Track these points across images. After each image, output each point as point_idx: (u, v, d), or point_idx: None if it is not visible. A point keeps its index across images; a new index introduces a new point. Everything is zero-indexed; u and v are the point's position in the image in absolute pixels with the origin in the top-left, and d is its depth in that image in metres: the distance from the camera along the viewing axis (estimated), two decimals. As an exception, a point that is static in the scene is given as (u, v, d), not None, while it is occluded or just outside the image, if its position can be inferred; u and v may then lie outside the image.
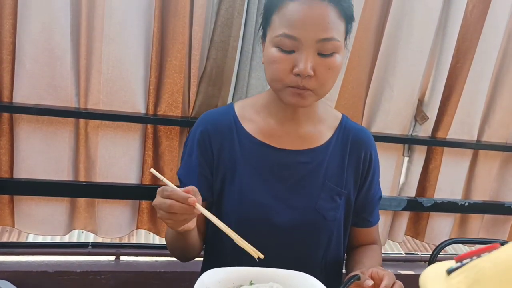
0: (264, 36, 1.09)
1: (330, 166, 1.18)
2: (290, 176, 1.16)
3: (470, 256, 0.49)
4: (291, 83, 1.02)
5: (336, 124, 1.21)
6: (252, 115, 1.19)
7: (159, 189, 0.94)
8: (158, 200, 0.93)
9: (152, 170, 0.98)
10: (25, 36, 1.47)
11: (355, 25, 1.41)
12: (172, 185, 0.95)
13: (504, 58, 1.91)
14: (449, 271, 0.49)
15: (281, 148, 1.15)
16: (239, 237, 0.95)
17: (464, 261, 0.48)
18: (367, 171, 1.22)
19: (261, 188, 1.15)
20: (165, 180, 0.97)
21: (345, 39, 1.06)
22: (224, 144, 1.16)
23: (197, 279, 1.06)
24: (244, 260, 0.98)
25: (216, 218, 0.96)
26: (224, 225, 0.95)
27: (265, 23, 1.07)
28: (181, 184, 1.18)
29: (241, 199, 1.14)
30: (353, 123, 1.25)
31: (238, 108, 1.20)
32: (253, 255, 0.94)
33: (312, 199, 1.16)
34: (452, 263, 0.51)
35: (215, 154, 1.16)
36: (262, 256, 0.94)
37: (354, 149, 1.20)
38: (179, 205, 0.90)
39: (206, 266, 1.19)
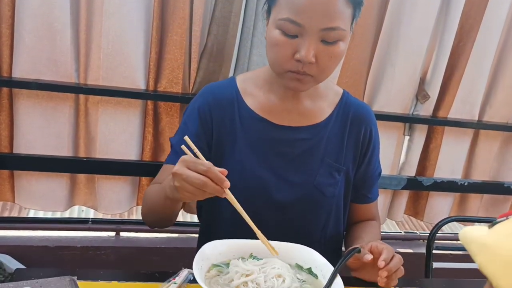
0: (268, 12, 1.06)
1: (330, 143, 1.17)
2: (289, 152, 1.15)
3: None
4: (292, 68, 1.01)
5: (337, 100, 1.20)
6: (254, 89, 1.18)
7: (187, 159, 0.88)
8: (187, 173, 0.86)
9: (186, 138, 0.91)
10: (24, 10, 1.45)
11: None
12: (204, 159, 0.89)
13: (507, 38, 1.89)
14: (494, 223, 0.49)
15: (281, 124, 1.15)
16: (260, 233, 0.94)
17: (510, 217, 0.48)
18: (366, 147, 1.21)
19: (261, 163, 1.14)
20: (199, 154, 0.92)
21: (352, 24, 1.03)
22: (225, 118, 1.15)
23: (195, 254, 1.07)
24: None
25: (241, 208, 0.92)
26: (247, 217, 0.92)
27: (270, 0, 1.04)
28: (172, 150, 1.17)
29: (241, 173, 1.13)
30: (354, 98, 1.24)
31: (240, 81, 1.19)
32: (271, 252, 0.93)
33: (311, 176, 1.16)
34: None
35: (215, 126, 1.15)
36: (278, 254, 0.93)
37: (354, 125, 1.19)
38: (213, 186, 0.86)
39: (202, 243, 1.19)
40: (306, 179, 1.16)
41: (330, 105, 1.19)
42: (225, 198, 0.89)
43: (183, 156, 0.89)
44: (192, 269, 0.89)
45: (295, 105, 1.16)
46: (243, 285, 0.88)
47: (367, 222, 1.30)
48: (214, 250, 0.95)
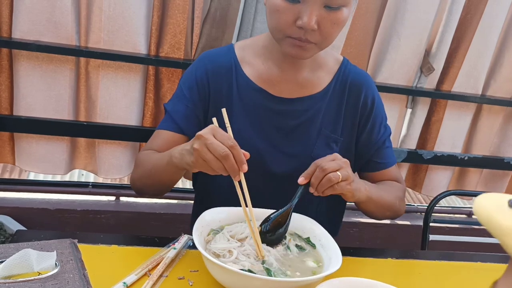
0: None
1: (327, 113, 1.15)
2: (286, 124, 1.14)
3: None
4: (293, 34, 0.98)
5: (336, 68, 1.17)
6: (252, 57, 1.15)
7: (216, 128, 0.87)
8: (213, 139, 0.85)
9: (224, 110, 0.90)
10: (24, -32, 1.42)
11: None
12: (232, 136, 0.88)
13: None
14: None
15: (279, 96, 1.13)
16: (256, 230, 0.92)
17: None
18: (367, 114, 1.18)
19: (258, 134, 1.13)
20: (229, 129, 0.90)
21: None
22: (222, 86, 1.13)
23: (191, 221, 1.07)
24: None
25: (249, 198, 0.91)
26: (247, 209, 0.92)
27: None
28: (166, 116, 1.15)
29: (239, 142, 1.12)
30: (353, 66, 1.20)
31: (238, 49, 1.17)
32: (257, 253, 0.91)
33: (308, 147, 1.14)
34: (507, 196, 0.48)
35: (212, 94, 1.13)
36: (265, 258, 0.90)
37: (352, 93, 1.17)
38: (232, 162, 0.85)
39: (197, 212, 1.18)
40: (303, 150, 1.14)
41: (329, 74, 1.17)
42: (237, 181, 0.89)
43: (213, 125, 0.89)
44: (191, 235, 0.89)
45: (294, 74, 1.13)
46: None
47: (383, 181, 1.24)
48: (214, 217, 0.95)
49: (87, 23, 1.55)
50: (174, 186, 2.00)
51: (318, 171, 0.93)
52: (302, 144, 1.14)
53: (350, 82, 1.17)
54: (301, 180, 0.95)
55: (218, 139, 0.85)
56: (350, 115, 1.17)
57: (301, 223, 1.02)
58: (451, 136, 1.99)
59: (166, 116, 1.16)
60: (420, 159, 1.97)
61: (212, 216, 0.96)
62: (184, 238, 1.00)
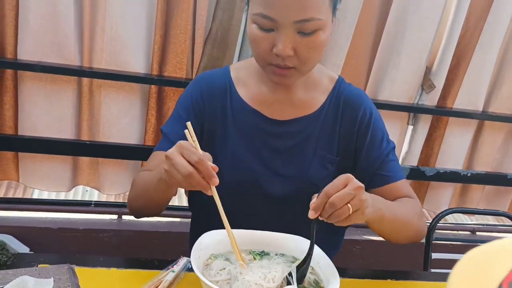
0: (247, 5, 1.02)
1: (322, 133, 1.14)
2: (281, 145, 1.13)
3: None
4: (273, 61, 0.99)
5: (331, 88, 1.17)
6: (246, 78, 1.16)
7: (182, 144, 0.86)
8: (177, 159, 0.85)
9: (189, 124, 0.89)
10: (28, -9, 1.45)
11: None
12: (199, 150, 0.87)
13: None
14: None
15: (273, 118, 1.13)
16: (234, 238, 0.92)
17: None
18: (364, 130, 1.15)
19: (253, 156, 1.13)
20: (196, 143, 0.88)
21: (334, 9, 1.00)
22: (217, 107, 1.14)
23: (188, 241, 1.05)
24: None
25: (222, 210, 0.90)
26: (226, 220, 0.91)
27: None
28: (163, 137, 1.15)
29: (234, 164, 1.12)
30: (348, 85, 1.19)
31: (233, 71, 1.18)
32: (238, 259, 0.91)
33: (303, 169, 1.13)
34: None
35: (207, 115, 1.14)
36: (245, 267, 0.90)
37: (346, 111, 1.15)
38: (198, 179, 0.84)
39: (194, 231, 1.17)
40: (299, 172, 1.13)
41: (323, 93, 1.16)
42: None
43: (181, 141, 0.88)
44: (190, 257, 0.89)
45: (287, 95, 1.13)
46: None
47: (397, 199, 1.15)
48: (211, 240, 0.95)
49: (90, 44, 1.57)
50: (176, 204, 2.00)
51: (327, 206, 0.87)
52: (297, 165, 1.13)
53: (344, 100, 1.15)
54: (311, 214, 0.89)
55: (184, 156, 0.85)
56: (346, 134, 1.15)
57: (299, 245, 1.01)
58: (453, 153, 1.99)
59: (163, 137, 1.16)
60: (422, 176, 1.97)
61: (209, 240, 0.95)
62: (183, 261, 1.00)
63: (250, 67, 1.17)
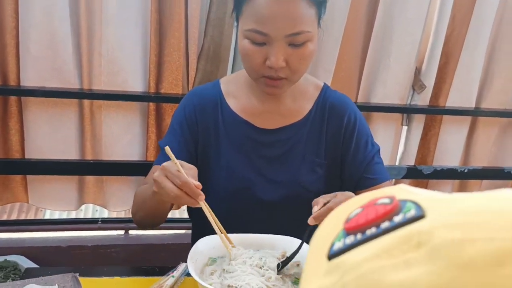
0: (237, 21, 1.09)
1: (310, 139, 1.20)
2: (271, 153, 1.19)
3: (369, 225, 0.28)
4: (265, 73, 1.05)
5: (316, 95, 1.23)
6: (236, 91, 1.22)
7: (166, 167, 0.91)
8: (165, 183, 0.90)
9: (167, 148, 0.92)
10: (28, 21, 1.52)
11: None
12: (182, 171, 0.91)
13: (500, 25, 1.90)
14: (331, 255, 0.29)
15: (262, 128, 1.19)
16: (227, 240, 0.99)
17: (367, 232, 0.28)
18: (349, 134, 1.20)
19: (245, 164, 1.18)
20: (178, 164, 0.92)
21: (319, 20, 1.06)
22: (209, 120, 1.20)
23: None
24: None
25: (213, 219, 0.98)
26: (217, 227, 0.99)
27: (237, 11, 1.07)
28: (161, 152, 1.19)
29: (229, 174, 1.18)
30: (333, 91, 1.25)
31: (223, 84, 1.24)
32: (225, 246, 0.98)
33: (294, 174, 1.19)
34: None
35: (200, 128, 1.20)
36: (232, 249, 0.98)
37: (332, 116, 1.21)
38: (186, 199, 0.91)
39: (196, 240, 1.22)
40: (290, 177, 1.19)
41: (310, 101, 1.22)
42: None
43: (164, 164, 0.93)
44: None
45: (276, 105, 1.19)
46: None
47: None
48: (207, 245, 1.00)
49: (89, 68, 1.64)
50: (182, 217, 2.04)
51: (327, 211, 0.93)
52: (288, 171, 1.19)
53: (329, 106, 1.21)
54: (311, 221, 0.95)
55: (169, 179, 0.90)
56: (333, 138, 1.21)
57: (292, 246, 1.05)
58: (449, 150, 2.02)
59: (161, 152, 1.22)
60: (420, 175, 2.00)
61: (205, 245, 1.00)
62: (182, 266, 1.05)
63: (239, 80, 1.23)
